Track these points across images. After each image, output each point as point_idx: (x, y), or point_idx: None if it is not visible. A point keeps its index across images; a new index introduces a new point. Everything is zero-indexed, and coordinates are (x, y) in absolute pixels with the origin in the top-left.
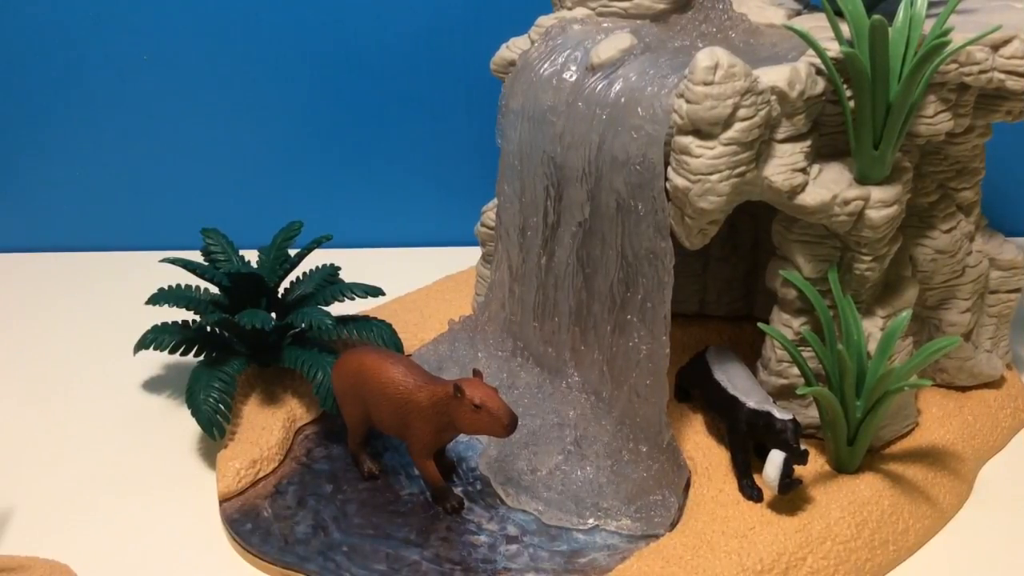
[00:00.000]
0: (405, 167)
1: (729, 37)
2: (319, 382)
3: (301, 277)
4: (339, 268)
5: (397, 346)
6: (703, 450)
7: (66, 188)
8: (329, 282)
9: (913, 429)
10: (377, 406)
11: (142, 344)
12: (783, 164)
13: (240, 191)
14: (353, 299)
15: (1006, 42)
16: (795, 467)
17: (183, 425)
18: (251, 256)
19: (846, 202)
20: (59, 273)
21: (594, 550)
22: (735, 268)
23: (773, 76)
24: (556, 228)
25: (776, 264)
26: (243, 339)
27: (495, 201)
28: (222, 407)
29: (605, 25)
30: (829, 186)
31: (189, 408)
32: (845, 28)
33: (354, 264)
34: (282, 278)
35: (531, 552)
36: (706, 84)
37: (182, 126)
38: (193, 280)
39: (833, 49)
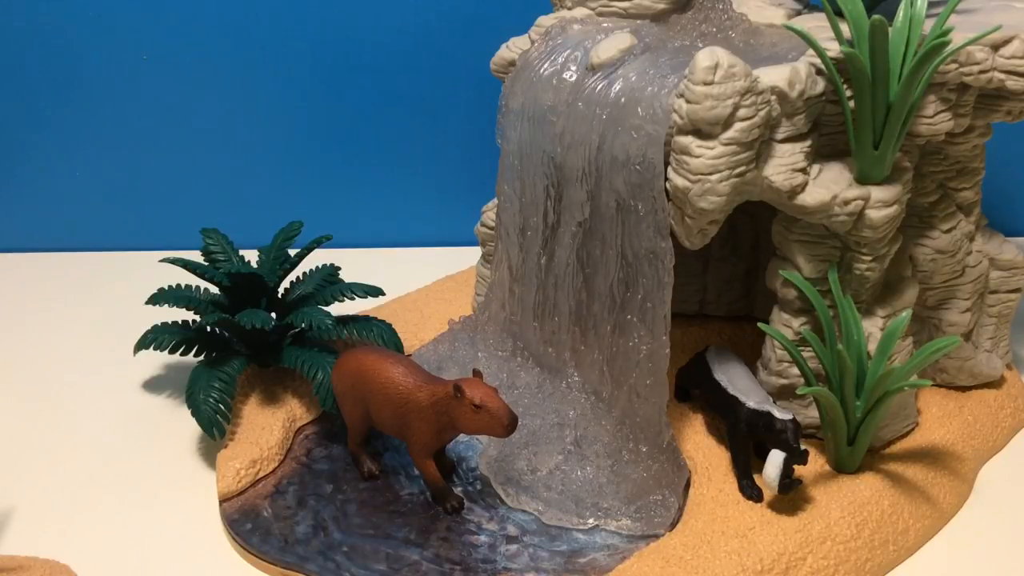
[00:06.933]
0: (405, 167)
1: (729, 37)
2: (319, 382)
3: (301, 277)
4: (339, 268)
5: (397, 346)
6: (703, 450)
7: (66, 188)
8: (329, 282)
9: (913, 429)
10: (377, 406)
11: (142, 344)
12: (783, 164)
13: (240, 191)
14: (353, 299)
15: (1006, 42)
16: (795, 467)
17: (183, 425)
18: (251, 256)
19: (846, 202)
20: (59, 273)
21: (594, 550)
22: (735, 268)
23: (773, 76)
24: (556, 228)
25: (776, 264)
26: (243, 339)
27: (495, 201)
28: (222, 407)
29: (605, 25)
30: (829, 186)
31: (189, 408)
32: (845, 28)
33: (354, 264)
34: (282, 278)
35: (531, 552)
36: (706, 84)
37: (182, 126)
38: (193, 280)
39: (833, 49)
